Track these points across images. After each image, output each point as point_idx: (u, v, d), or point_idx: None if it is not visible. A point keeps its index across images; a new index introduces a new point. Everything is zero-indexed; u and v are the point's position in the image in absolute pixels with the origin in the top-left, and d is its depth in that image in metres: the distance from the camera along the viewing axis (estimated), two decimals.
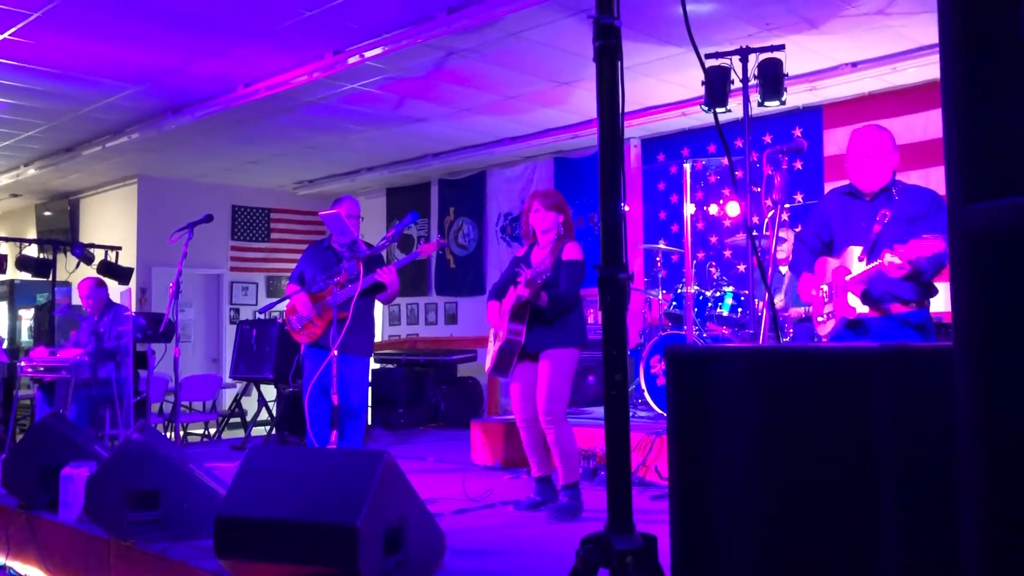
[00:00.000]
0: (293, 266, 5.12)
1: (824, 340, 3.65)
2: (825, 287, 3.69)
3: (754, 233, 5.37)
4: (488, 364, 4.46)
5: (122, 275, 8.30)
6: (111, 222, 11.58)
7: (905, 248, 3.26)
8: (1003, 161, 1.07)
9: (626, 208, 6.63)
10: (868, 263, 3.50)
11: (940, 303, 6.89)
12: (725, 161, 8.39)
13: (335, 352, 4.23)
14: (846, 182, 3.85)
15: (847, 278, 3.57)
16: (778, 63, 6.00)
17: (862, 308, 3.53)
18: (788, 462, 1.45)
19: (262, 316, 8.04)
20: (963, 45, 1.09)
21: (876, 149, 3.64)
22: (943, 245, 3.11)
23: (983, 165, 1.08)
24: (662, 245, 7.19)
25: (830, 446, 1.38)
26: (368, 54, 6.47)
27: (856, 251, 3.58)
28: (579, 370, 7.54)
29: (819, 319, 3.74)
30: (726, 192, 8.06)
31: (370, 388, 8.07)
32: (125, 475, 3.73)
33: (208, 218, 5.14)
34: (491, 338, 4.50)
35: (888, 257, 3.31)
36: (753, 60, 6.01)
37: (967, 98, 1.10)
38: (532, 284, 4.07)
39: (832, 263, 3.68)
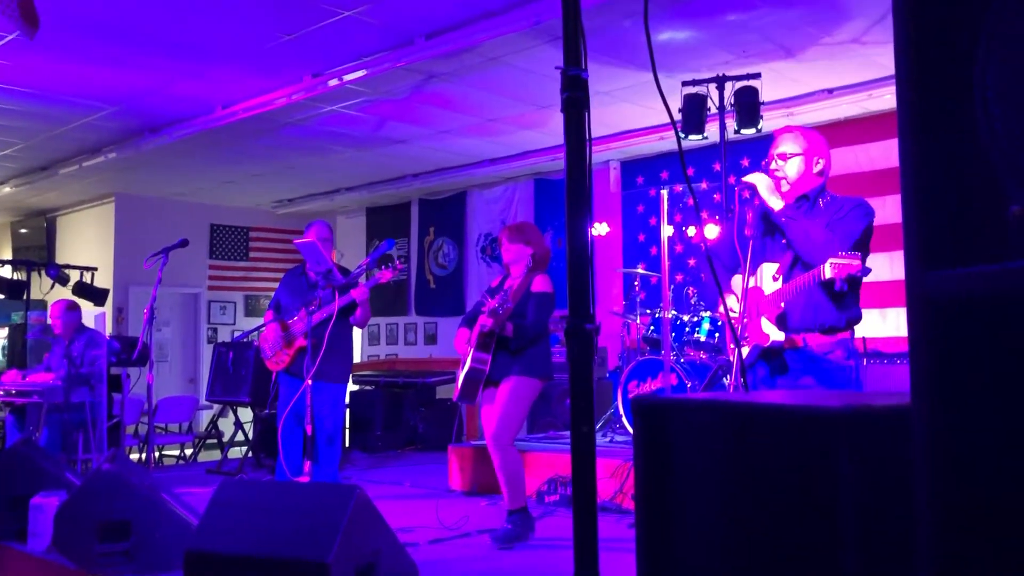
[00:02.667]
0: (271, 285, 5.11)
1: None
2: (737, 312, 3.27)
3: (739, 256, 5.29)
4: (455, 392, 4.49)
5: (97, 296, 8.22)
6: (88, 240, 11.49)
7: (819, 271, 2.91)
8: (962, 228, 1.08)
9: (604, 232, 6.63)
10: (783, 283, 3.16)
11: (873, 329, 6.89)
12: (704, 185, 8.45)
13: (309, 381, 4.20)
14: None
15: (760, 299, 3.20)
16: (754, 91, 6.05)
17: (777, 335, 3.15)
18: (752, 515, 1.45)
19: (242, 340, 7.98)
20: (922, 116, 1.10)
21: (797, 148, 3.22)
22: (858, 266, 2.82)
23: (943, 231, 1.09)
24: (640, 270, 7.21)
25: (793, 501, 1.39)
26: (348, 77, 6.47)
27: (771, 269, 3.21)
28: (558, 394, 7.57)
29: (732, 345, 3.33)
30: (704, 215, 8.09)
31: (348, 410, 8.03)
32: (95, 506, 3.68)
33: (183, 243, 5.11)
34: (461, 364, 4.53)
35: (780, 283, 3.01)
36: (729, 88, 6.05)
37: (926, 163, 1.11)
38: (495, 314, 4.14)
39: (744, 283, 3.27)
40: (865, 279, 3.15)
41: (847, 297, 3.14)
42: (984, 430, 1.03)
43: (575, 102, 1.55)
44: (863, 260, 2.94)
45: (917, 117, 1.10)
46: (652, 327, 6.77)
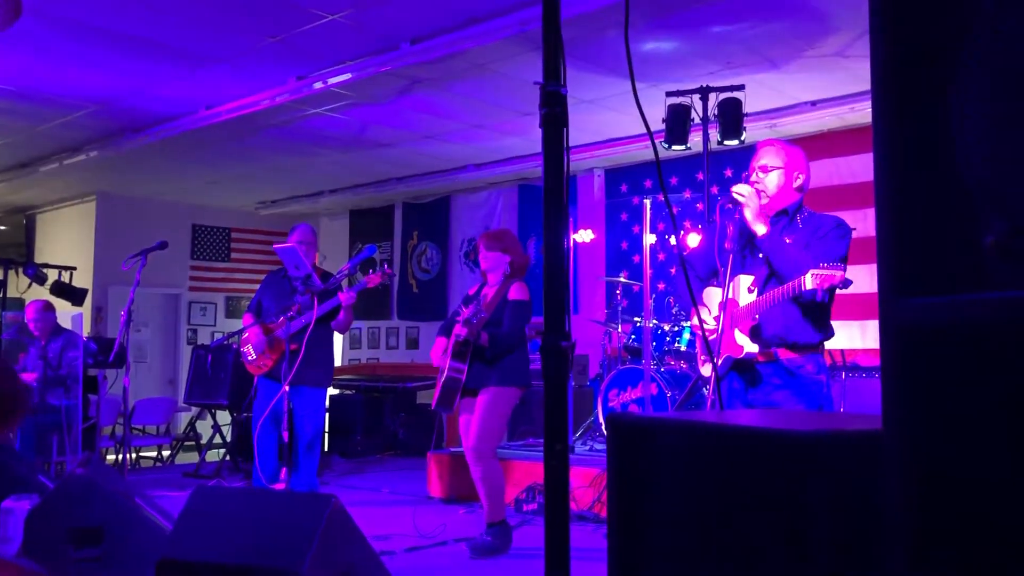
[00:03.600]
0: (253, 286, 5.10)
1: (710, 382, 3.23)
2: (711, 322, 3.26)
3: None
4: (433, 400, 4.47)
5: (76, 296, 8.13)
6: (68, 238, 11.39)
7: (799, 281, 2.91)
8: (937, 256, 1.08)
9: (588, 239, 6.60)
10: (759, 294, 3.14)
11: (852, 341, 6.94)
12: (687, 194, 8.47)
13: (286, 388, 4.17)
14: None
15: (735, 311, 3.17)
16: (738, 103, 6.07)
17: (751, 347, 3.14)
18: (723, 537, 1.45)
19: (221, 344, 7.92)
20: (899, 142, 1.09)
21: (778, 161, 3.23)
22: (841, 276, 2.81)
23: (917, 259, 1.09)
24: (622, 279, 7.22)
25: (765, 523, 1.38)
26: (332, 81, 6.45)
27: (746, 281, 3.20)
28: (538, 400, 7.55)
29: (703, 357, 3.35)
30: (687, 224, 8.11)
31: (328, 415, 7.99)
32: (67, 511, 3.63)
33: (162, 245, 5.07)
34: (439, 373, 4.51)
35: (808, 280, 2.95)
36: (713, 99, 6.07)
37: (901, 189, 1.11)
38: (469, 324, 4.14)
39: (719, 294, 3.24)
40: (845, 291, 3.14)
41: (821, 314, 3.13)
42: (956, 459, 1.03)
43: (554, 118, 1.55)
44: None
45: (893, 143, 1.10)
46: (633, 336, 6.78)
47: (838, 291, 3.11)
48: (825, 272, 2.84)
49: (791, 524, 1.31)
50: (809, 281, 2.87)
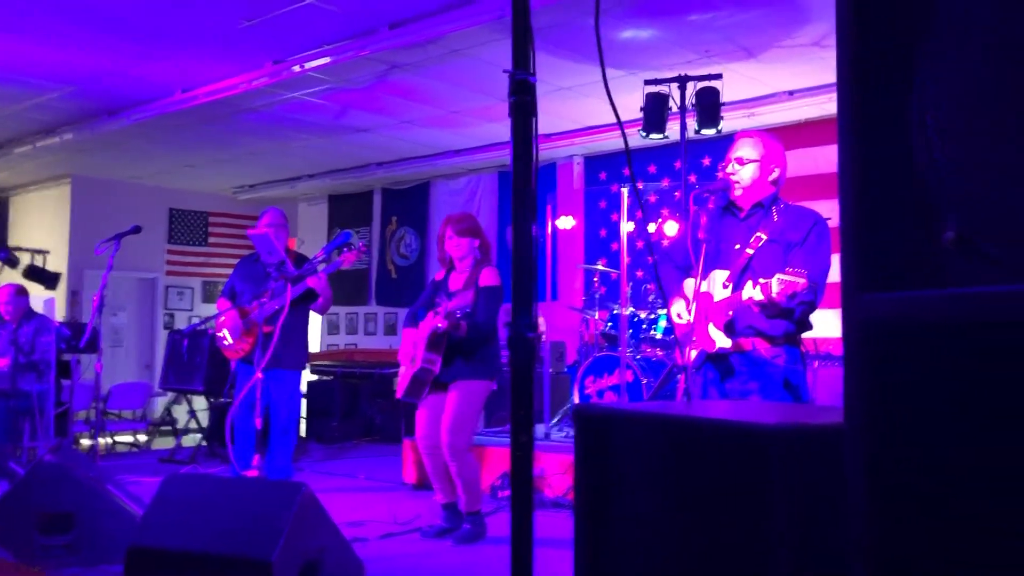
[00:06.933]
0: (230, 271, 5.06)
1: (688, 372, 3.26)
2: (686, 315, 3.23)
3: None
4: (399, 390, 4.41)
5: (49, 280, 8.05)
6: (43, 221, 11.25)
7: (767, 285, 2.89)
8: (899, 252, 1.09)
9: (569, 226, 6.56)
10: (733, 291, 3.13)
11: (826, 329, 6.98)
12: (665, 183, 8.49)
13: (260, 375, 4.14)
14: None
15: (710, 305, 3.16)
16: (715, 92, 6.07)
17: (724, 341, 3.14)
18: (689, 524, 1.45)
19: (196, 329, 7.88)
20: (861, 139, 1.10)
21: (754, 154, 3.23)
22: (804, 284, 2.79)
23: (880, 255, 1.09)
24: (600, 266, 7.22)
25: (728, 513, 1.39)
26: (309, 65, 6.39)
27: (721, 276, 3.20)
28: None
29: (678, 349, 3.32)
30: (665, 212, 8.13)
31: (305, 400, 7.96)
32: (36, 498, 3.62)
33: (136, 229, 5.02)
34: (404, 362, 4.45)
35: (748, 291, 2.98)
36: (691, 88, 6.07)
37: (863, 185, 1.11)
38: (452, 317, 4.06)
39: (693, 286, 3.22)
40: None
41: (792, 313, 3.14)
42: (916, 453, 1.04)
43: (522, 106, 1.54)
44: (819, 283, 2.96)
45: (856, 142, 1.10)
46: (610, 323, 6.79)
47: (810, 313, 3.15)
48: (789, 278, 2.82)
49: (752, 515, 1.32)
50: (775, 286, 2.84)
